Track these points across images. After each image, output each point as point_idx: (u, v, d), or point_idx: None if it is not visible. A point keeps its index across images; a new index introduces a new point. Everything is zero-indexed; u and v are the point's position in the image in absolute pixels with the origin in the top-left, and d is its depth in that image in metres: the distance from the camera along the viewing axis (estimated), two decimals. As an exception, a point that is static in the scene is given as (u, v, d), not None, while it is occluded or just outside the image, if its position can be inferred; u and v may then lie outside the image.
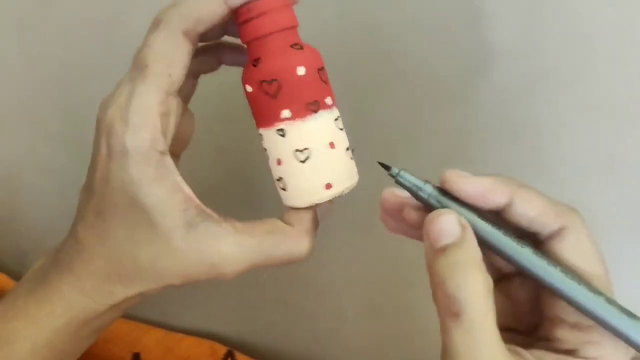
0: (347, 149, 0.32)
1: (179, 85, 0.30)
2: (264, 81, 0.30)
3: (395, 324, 0.47)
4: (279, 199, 0.33)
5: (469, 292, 0.24)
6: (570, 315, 0.26)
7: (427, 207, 0.28)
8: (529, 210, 0.27)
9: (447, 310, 0.25)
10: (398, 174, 0.28)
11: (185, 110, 0.34)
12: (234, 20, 0.30)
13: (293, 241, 0.31)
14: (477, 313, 0.24)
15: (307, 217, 0.31)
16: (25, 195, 0.55)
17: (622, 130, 0.41)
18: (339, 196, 0.32)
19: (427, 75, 0.43)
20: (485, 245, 0.26)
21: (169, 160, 0.30)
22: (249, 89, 0.31)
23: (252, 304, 0.52)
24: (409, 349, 0.47)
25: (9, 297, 0.33)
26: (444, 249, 0.25)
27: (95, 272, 0.31)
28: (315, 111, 0.30)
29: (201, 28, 0.30)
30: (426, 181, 0.28)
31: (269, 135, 0.31)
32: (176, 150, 0.33)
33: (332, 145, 0.30)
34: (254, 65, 0.30)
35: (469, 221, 0.26)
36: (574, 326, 0.27)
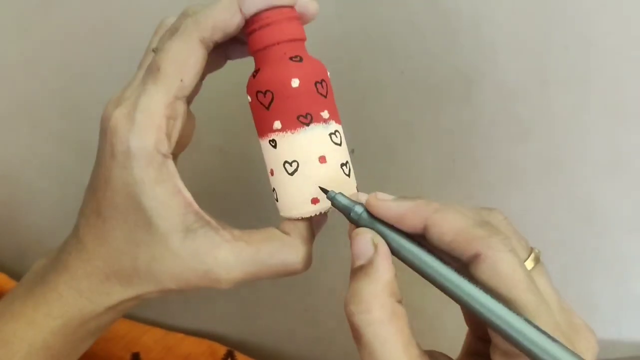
0: (344, 164, 0.31)
1: (189, 90, 0.30)
2: (259, 92, 0.30)
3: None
4: (277, 203, 0.33)
5: (366, 321, 0.25)
6: (501, 341, 0.25)
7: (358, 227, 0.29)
8: (443, 236, 0.26)
9: (352, 332, 0.26)
10: (333, 197, 0.29)
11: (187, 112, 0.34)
12: (243, 31, 0.31)
13: (289, 250, 0.31)
14: (374, 340, 0.25)
15: (303, 226, 0.31)
16: (25, 195, 0.55)
17: (631, 129, 0.41)
18: (326, 212, 0.31)
19: (429, 74, 0.43)
20: (410, 265, 0.27)
21: (171, 163, 0.30)
22: (249, 98, 0.31)
23: (252, 304, 0.52)
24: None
25: (7, 298, 0.33)
26: (357, 270, 0.27)
27: (92, 272, 0.31)
28: (307, 124, 0.30)
29: (217, 36, 0.30)
30: (358, 203, 0.29)
31: (264, 145, 0.31)
32: (175, 151, 0.33)
33: (322, 159, 0.30)
34: (254, 76, 0.31)
35: (393, 242, 0.27)
36: (505, 353, 0.26)
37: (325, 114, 0.31)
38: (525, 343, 0.24)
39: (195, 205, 0.30)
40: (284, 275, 0.31)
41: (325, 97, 0.31)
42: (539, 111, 0.42)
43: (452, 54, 0.42)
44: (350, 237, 0.28)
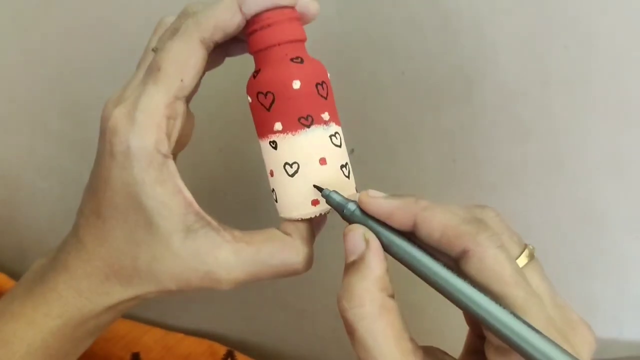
0: (344, 166, 0.31)
1: (189, 90, 0.30)
2: (259, 93, 0.30)
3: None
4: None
5: (359, 315, 0.26)
6: (492, 337, 0.26)
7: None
8: (432, 233, 0.27)
9: (345, 327, 0.27)
10: (328, 195, 0.29)
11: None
12: (244, 31, 0.31)
13: (290, 250, 0.31)
14: (367, 334, 0.26)
15: (304, 227, 0.31)
16: (25, 195, 0.55)
17: (631, 129, 0.41)
18: (327, 213, 0.31)
19: (430, 74, 0.43)
20: (401, 261, 0.27)
21: (171, 163, 0.30)
22: (249, 99, 0.31)
23: (252, 303, 0.52)
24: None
25: (6, 298, 0.33)
26: (349, 265, 0.27)
27: (92, 272, 0.31)
28: (308, 126, 0.30)
29: (217, 36, 0.30)
30: (351, 200, 0.29)
31: (264, 146, 0.31)
32: (174, 150, 0.33)
33: (323, 161, 0.30)
34: (254, 77, 0.31)
35: (385, 238, 0.28)
36: (497, 349, 0.26)
37: (325, 116, 0.31)
38: (513, 337, 0.24)
39: (196, 206, 0.30)
40: (285, 275, 0.31)
41: (326, 98, 0.31)
42: (540, 112, 0.42)
43: (452, 54, 0.42)
44: (344, 233, 0.28)
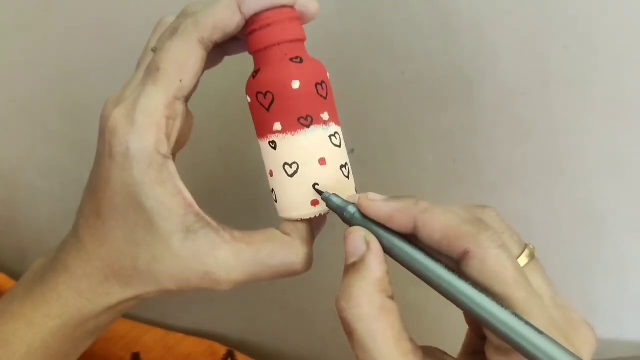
0: (343, 166, 0.31)
1: (188, 91, 0.30)
2: (259, 93, 0.30)
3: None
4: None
5: (357, 316, 0.26)
6: (493, 336, 0.26)
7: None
8: (432, 234, 0.27)
9: (344, 328, 0.27)
10: (328, 198, 0.30)
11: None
12: (243, 31, 0.31)
13: (290, 250, 0.31)
14: (366, 335, 0.26)
15: (303, 227, 0.31)
16: (25, 195, 0.55)
17: (632, 129, 0.41)
18: (327, 213, 0.31)
19: (430, 74, 0.43)
20: (402, 263, 0.27)
21: (171, 164, 0.30)
22: (249, 99, 0.31)
23: (252, 303, 0.52)
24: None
25: (6, 298, 0.33)
26: (349, 267, 0.27)
27: (92, 272, 0.31)
28: (307, 126, 0.30)
29: (216, 36, 0.30)
30: (351, 203, 0.29)
31: (263, 146, 0.31)
32: (173, 150, 0.33)
33: (322, 161, 0.30)
34: (254, 77, 0.31)
35: (385, 241, 0.28)
36: (498, 349, 0.26)
37: (325, 116, 0.30)
38: (514, 337, 0.24)
39: (196, 206, 0.30)
40: (285, 276, 0.31)
41: (325, 98, 0.31)
42: (540, 112, 0.42)
43: (452, 55, 0.42)
44: (344, 235, 0.28)
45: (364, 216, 0.28)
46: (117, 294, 0.31)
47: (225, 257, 0.30)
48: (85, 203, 0.31)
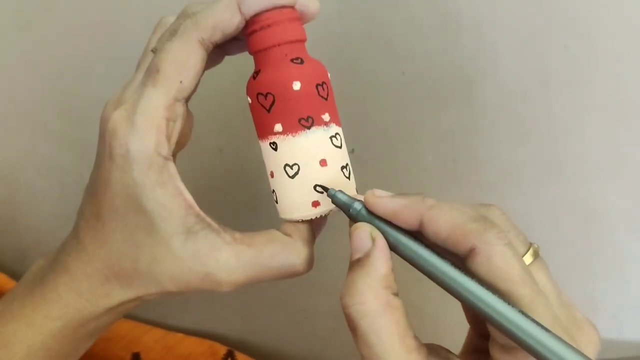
0: (344, 167, 0.31)
1: (188, 92, 0.30)
2: (259, 94, 0.30)
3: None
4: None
5: (361, 312, 0.26)
6: (498, 334, 0.26)
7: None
8: (439, 231, 0.27)
9: (348, 324, 0.27)
10: (334, 194, 0.30)
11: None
12: (243, 32, 0.30)
13: (290, 251, 0.30)
14: (370, 331, 0.25)
15: (304, 228, 0.31)
16: (25, 195, 0.55)
17: (631, 129, 0.41)
18: (327, 214, 0.31)
19: (430, 74, 0.43)
20: (408, 260, 0.27)
21: (172, 165, 0.30)
22: (249, 100, 0.31)
23: (252, 303, 0.52)
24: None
25: (6, 299, 0.33)
26: (354, 262, 0.27)
27: (92, 274, 0.31)
28: (308, 127, 0.30)
29: (216, 37, 0.30)
30: (357, 200, 0.29)
31: (264, 147, 0.31)
32: (174, 150, 0.33)
33: (323, 162, 0.30)
34: (254, 78, 0.30)
35: (391, 237, 0.28)
36: (503, 347, 0.26)
37: (326, 117, 0.30)
38: (520, 334, 0.24)
39: (197, 207, 0.30)
40: (286, 277, 0.31)
41: (326, 99, 0.31)
42: (540, 112, 0.42)
43: (452, 55, 0.42)
44: (350, 231, 0.28)
45: (370, 213, 0.28)
46: (118, 295, 0.31)
47: (226, 258, 0.29)
48: (85, 204, 0.31)
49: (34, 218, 0.55)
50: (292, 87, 0.29)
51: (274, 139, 0.30)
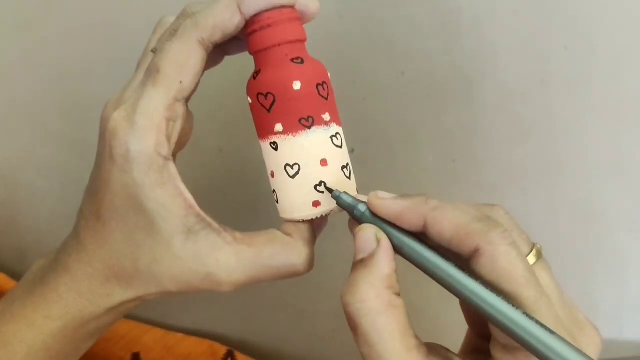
0: (345, 167, 0.31)
1: (188, 92, 0.30)
2: (260, 94, 0.30)
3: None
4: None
5: (362, 310, 0.26)
6: (500, 335, 0.26)
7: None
8: (443, 232, 0.27)
9: (348, 323, 0.27)
10: (338, 196, 0.30)
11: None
12: (243, 32, 0.30)
13: (291, 251, 0.30)
14: (371, 330, 0.25)
15: (305, 228, 0.31)
16: (25, 195, 0.55)
17: (631, 129, 0.41)
18: (328, 214, 0.31)
19: (430, 74, 0.43)
20: (412, 262, 0.27)
21: (172, 166, 0.30)
22: (249, 100, 0.31)
23: (252, 304, 0.52)
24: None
25: (6, 299, 0.33)
26: (357, 262, 0.27)
27: (93, 274, 0.31)
28: (309, 127, 0.30)
29: (216, 37, 0.30)
30: (361, 202, 0.29)
31: (264, 147, 0.31)
32: (174, 150, 0.33)
33: (324, 162, 0.30)
34: (254, 78, 0.31)
35: (395, 239, 0.28)
36: (505, 347, 0.26)
37: (326, 117, 0.30)
38: (524, 335, 0.24)
39: (197, 207, 0.30)
40: (287, 277, 0.31)
41: (327, 99, 0.31)
42: (540, 112, 0.42)
43: (452, 54, 0.42)
44: (354, 232, 0.28)
45: (374, 214, 0.28)
46: (118, 295, 0.31)
47: (227, 258, 0.29)
48: (85, 204, 0.31)
49: (34, 218, 0.55)
50: (292, 87, 0.29)
51: (274, 138, 0.30)
